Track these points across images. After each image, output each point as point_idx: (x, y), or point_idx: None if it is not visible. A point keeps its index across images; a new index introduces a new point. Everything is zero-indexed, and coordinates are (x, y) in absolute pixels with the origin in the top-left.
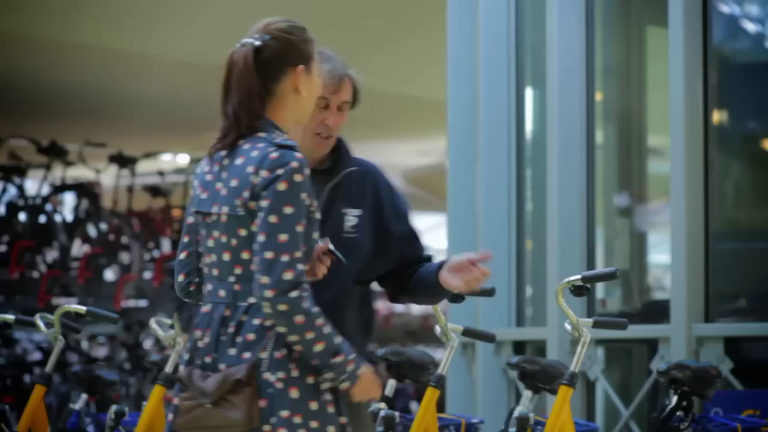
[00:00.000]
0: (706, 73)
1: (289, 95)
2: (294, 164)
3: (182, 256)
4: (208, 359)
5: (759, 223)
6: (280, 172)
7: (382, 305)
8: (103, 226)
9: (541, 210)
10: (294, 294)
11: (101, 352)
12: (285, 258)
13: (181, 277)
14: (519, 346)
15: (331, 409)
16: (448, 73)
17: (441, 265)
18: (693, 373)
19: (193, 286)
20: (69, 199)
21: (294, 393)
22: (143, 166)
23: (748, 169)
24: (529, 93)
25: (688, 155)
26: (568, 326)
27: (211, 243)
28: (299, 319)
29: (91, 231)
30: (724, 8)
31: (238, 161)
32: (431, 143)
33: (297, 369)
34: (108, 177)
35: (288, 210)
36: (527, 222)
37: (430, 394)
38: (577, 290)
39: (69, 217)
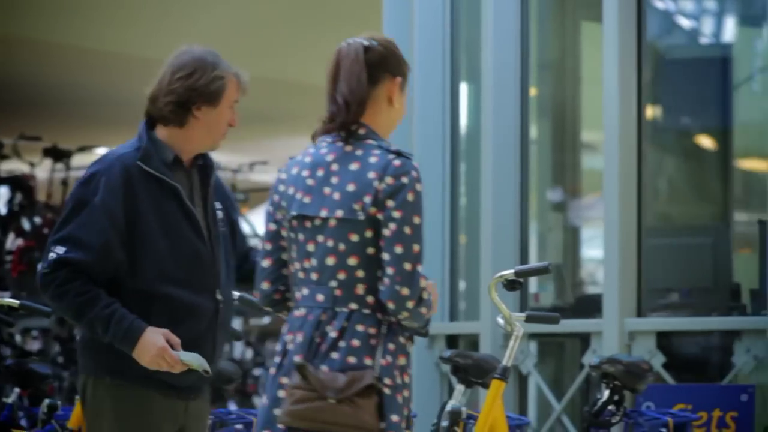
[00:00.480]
0: (640, 69)
1: (382, 103)
2: (414, 173)
3: (266, 263)
4: (297, 358)
5: (691, 218)
6: (405, 180)
7: None
8: (38, 219)
9: (474, 205)
10: (425, 296)
11: (35, 345)
12: (419, 268)
13: (265, 285)
14: (452, 341)
15: (404, 425)
16: None
17: None
18: (625, 368)
19: (278, 294)
20: (3, 192)
21: (399, 399)
22: (78, 159)
23: (682, 164)
24: (463, 88)
25: (621, 150)
26: (500, 320)
27: (311, 247)
28: (424, 311)
29: (25, 224)
30: (659, 4)
31: (353, 166)
32: None
33: (399, 377)
34: (42, 170)
35: (417, 220)
36: (461, 216)
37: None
38: (510, 285)
39: (3, 210)
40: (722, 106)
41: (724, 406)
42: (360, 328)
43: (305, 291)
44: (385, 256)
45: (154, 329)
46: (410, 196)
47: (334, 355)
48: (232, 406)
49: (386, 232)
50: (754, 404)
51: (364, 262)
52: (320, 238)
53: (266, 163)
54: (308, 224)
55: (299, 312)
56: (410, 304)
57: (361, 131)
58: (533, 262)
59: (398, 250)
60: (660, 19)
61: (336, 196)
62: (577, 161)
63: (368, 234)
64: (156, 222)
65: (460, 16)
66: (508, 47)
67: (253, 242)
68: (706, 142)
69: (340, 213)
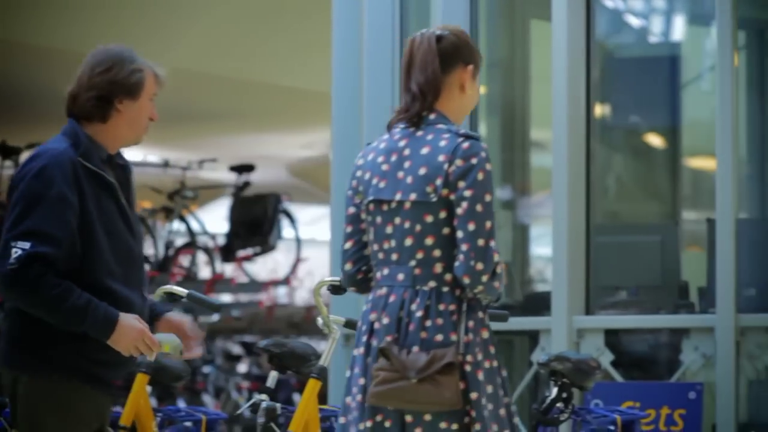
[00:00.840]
0: (589, 67)
1: (455, 90)
2: (483, 153)
3: (348, 245)
4: (388, 338)
5: (640, 216)
6: (474, 161)
7: (265, 297)
8: None
9: None
10: (498, 270)
11: None
12: (492, 243)
13: (348, 266)
14: None
15: (501, 392)
16: (332, 66)
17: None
18: (573, 365)
19: (361, 274)
20: None
21: (480, 375)
22: (27, 156)
23: (630, 162)
24: None
25: (570, 148)
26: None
27: (389, 229)
28: (497, 284)
29: None
30: (608, 2)
31: (424, 150)
32: (315, 135)
33: (480, 353)
34: None
35: (488, 198)
36: None
37: (312, 386)
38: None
39: None
40: (671, 105)
41: (673, 404)
42: (441, 306)
43: (386, 271)
44: (459, 233)
45: (127, 315)
46: (480, 176)
47: (423, 335)
48: (181, 404)
49: (459, 210)
50: (702, 402)
51: (441, 242)
52: (397, 220)
53: (215, 160)
54: (385, 207)
55: (381, 291)
56: (485, 278)
57: (432, 116)
58: None
59: (471, 227)
60: (609, 17)
61: (409, 179)
62: (526, 159)
63: (442, 215)
64: (98, 218)
65: (410, 15)
66: None
67: (202, 240)
68: (654, 140)
69: (413, 196)
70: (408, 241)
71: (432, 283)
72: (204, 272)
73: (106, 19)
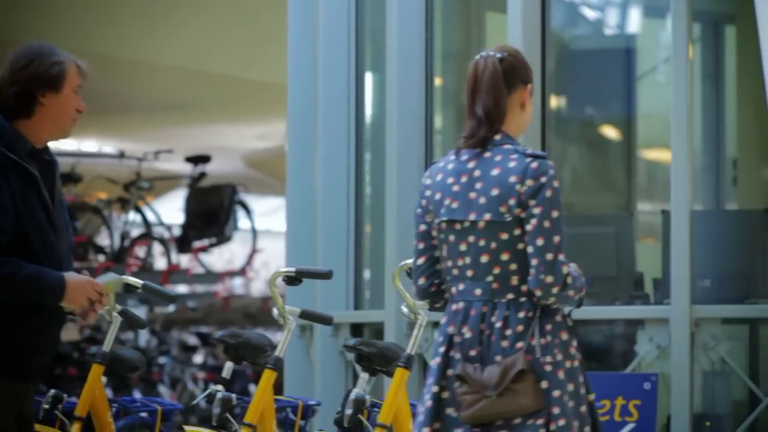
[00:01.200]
0: (544, 59)
1: (516, 110)
2: (551, 171)
3: (421, 261)
4: (473, 352)
5: (595, 207)
6: (543, 180)
7: (221, 288)
8: None
9: (379, 194)
10: (569, 281)
11: None
12: (561, 257)
13: (422, 281)
14: (357, 329)
15: (582, 390)
16: (288, 57)
17: None
18: None
19: (434, 287)
20: None
21: (561, 375)
22: None
23: (585, 154)
24: (368, 78)
25: (525, 140)
26: (405, 309)
27: (463, 247)
28: (572, 293)
29: None
30: None
31: (494, 172)
32: (271, 127)
33: (560, 353)
34: None
35: (555, 214)
36: (366, 205)
37: (268, 376)
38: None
39: None
40: (626, 97)
41: (627, 395)
42: (521, 314)
43: (461, 286)
44: (530, 248)
45: (69, 272)
46: (548, 193)
47: (504, 343)
48: (137, 394)
49: (529, 227)
50: (657, 392)
51: (516, 256)
52: (471, 239)
53: (171, 151)
54: (458, 226)
55: (458, 306)
56: (555, 290)
57: (498, 137)
58: None
59: (540, 242)
60: (564, 9)
61: (482, 200)
62: None
63: (516, 232)
64: (23, 209)
65: (365, 6)
66: (413, 37)
67: (158, 231)
68: (609, 132)
69: (488, 216)
70: (484, 258)
71: (510, 295)
72: (160, 263)
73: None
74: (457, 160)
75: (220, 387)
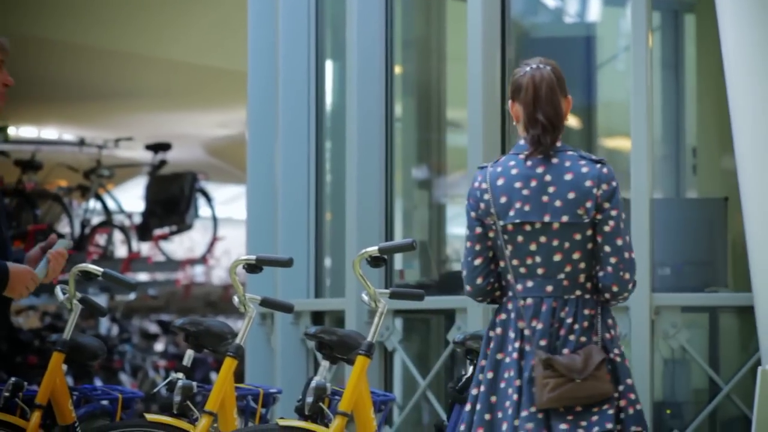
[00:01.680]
0: (504, 47)
1: (563, 118)
2: (614, 175)
3: (478, 261)
4: (543, 342)
5: None
6: (614, 184)
7: (182, 276)
8: None
9: (340, 182)
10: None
11: None
12: (634, 255)
13: (480, 280)
14: (318, 317)
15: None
16: (248, 45)
17: None
18: None
19: (490, 286)
20: None
21: (627, 363)
22: None
23: None
24: (329, 65)
25: (485, 128)
26: (365, 297)
27: (533, 247)
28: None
29: None
30: None
31: (567, 177)
32: (231, 114)
33: (621, 346)
34: None
35: (624, 215)
36: (326, 193)
37: (228, 364)
38: (374, 261)
39: None
40: (586, 85)
41: None
42: (586, 311)
43: (529, 284)
44: (607, 248)
45: (11, 263)
46: (619, 196)
47: (571, 337)
48: (98, 383)
49: (606, 228)
50: None
51: (585, 256)
52: (543, 239)
53: (131, 139)
54: (528, 228)
55: (526, 302)
56: (630, 286)
57: (558, 143)
58: (398, 239)
59: (619, 242)
60: None
61: (557, 203)
62: (442, 139)
63: (589, 233)
64: None
65: None
66: (373, 25)
67: (119, 219)
68: (570, 120)
69: (565, 218)
70: (557, 257)
71: (578, 292)
72: (120, 251)
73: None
74: (522, 165)
75: (180, 375)
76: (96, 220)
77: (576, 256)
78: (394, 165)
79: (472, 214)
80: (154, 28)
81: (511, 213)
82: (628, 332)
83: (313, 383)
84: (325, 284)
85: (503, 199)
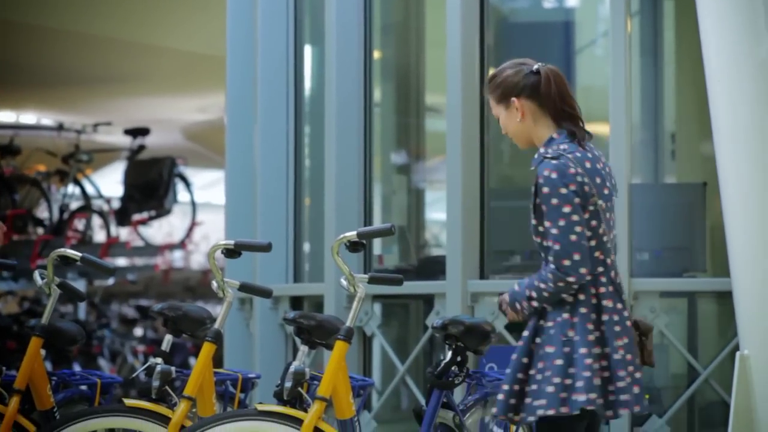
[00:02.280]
0: (483, 32)
1: None
2: None
3: (592, 243)
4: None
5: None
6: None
7: (161, 261)
8: None
9: (319, 166)
10: None
11: None
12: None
13: (590, 262)
14: (296, 302)
15: None
16: (227, 30)
17: None
18: (467, 329)
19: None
20: None
21: None
22: None
23: None
24: (307, 50)
25: (464, 113)
26: (344, 282)
27: (612, 223)
28: None
29: None
30: None
31: (603, 160)
32: (210, 99)
33: None
34: None
35: None
36: (305, 178)
37: (207, 349)
38: (353, 246)
39: None
40: (565, 70)
41: None
42: None
43: (613, 257)
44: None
45: None
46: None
47: None
48: (76, 367)
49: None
50: None
51: None
52: (608, 215)
53: (110, 123)
54: (609, 205)
55: (615, 275)
56: None
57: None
58: (377, 224)
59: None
60: None
61: (609, 184)
62: (421, 124)
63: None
64: None
65: None
66: (352, 10)
67: (97, 203)
68: None
69: (615, 198)
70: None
71: None
72: (99, 236)
73: None
74: (585, 152)
75: (159, 360)
76: (75, 204)
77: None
78: (372, 150)
79: (577, 200)
80: (134, 14)
81: (605, 192)
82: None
83: (291, 368)
84: (303, 269)
85: (598, 180)
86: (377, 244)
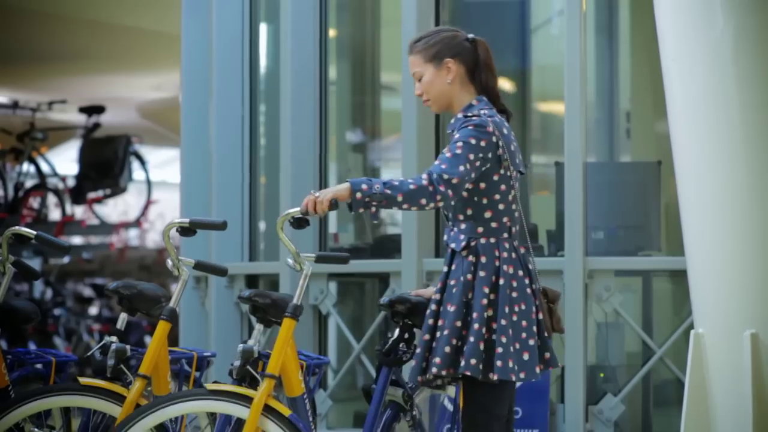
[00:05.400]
0: (438, 10)
1: None
2: None
3: (471, 177)
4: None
5: None
6: None
7: (116, 239)
8: None
9: (274, 145)
10: None
11: None
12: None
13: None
14: (252, 280)
15: None
16: (182, 7)
17: None
18: (413, 306)
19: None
20: None
21: None
22: None
23: None
24: (263, 28)
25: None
26: (290, 260)
27: (518, 195)
28: None
29: None
30: None
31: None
32: (166, 77)
33: None
34: None
35: None
36: (261, 157)
37: (162, 328)
38: (297, 222)
39: None
40: (520, 49)
41: None
42: None
43: (517, 227)
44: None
45: None
46: None
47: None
48: (32, 346)
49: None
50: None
51: None
52: (516, 187)
53: (65, 101)
54: (515, 176)
55: (519, 245)
56: None
57: None
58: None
59: None
60: None
61: (519, 158)
62: (377, 102)
63: None
64: None
65: None
66: None
67: (52, 182)
68: (504, 84)
69: (523, 169)
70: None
71: None
72: (54, 214)
73: None
74: (503, 120)
75: (114, 338)
76: (30, 183)
77: None
78: (328, 128)
79: (481, 155)
80: None
81: (517, 161)
82: (562, 296)
83: (240, 347)
84: (259, 248)
85: (512, 147)
86: (333, 223)
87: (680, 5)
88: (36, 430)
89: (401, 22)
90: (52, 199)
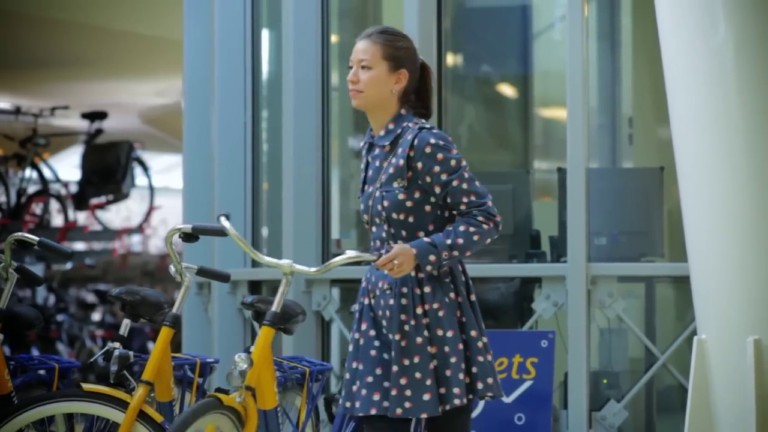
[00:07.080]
0: (441, 16)
1: None
2: None
3: None
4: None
5: (492, 165)
6: None
7: (119, 245)
8: None
9: (276, 151)
10: None
11: None
12: None
13: None
14: (255, 286)
15: None
16: (184, 13)
17: None
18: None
19: None
20: None
21: None
22: None
23: (482, 111)
24: (265, 34)
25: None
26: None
27: None
28: None
29: None
30: None
31: None
32: (168, 83)
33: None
34: None
35: None
36: (263, 162)
37: (165, 334)
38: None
39: None
40: (522, 55)
41: (525, 352)
42: None
43: None
44: None
45: None
46: None
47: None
48: (35, 352)
49: None
50: (554, 350)
51: None
52: None
53: (67, 107)
54: None
55: None
56: None
57: None
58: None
59: None
60: None
61: None
62: None
63: None
64: None
65: None
66: None
67: (55, 188)
68: (506, 90)
69: None
70: None
71: None
72: (57, 220)
73: None
74: None
75: (117, 344)
76: (32, 189)
77: None
78: (330, 134)
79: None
80: None
81: None
82: (565, 302)
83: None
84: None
85: None
86: (335, 229)
87: (682, 12)
88: None
89: (403, 28)
90: (54, 205)
